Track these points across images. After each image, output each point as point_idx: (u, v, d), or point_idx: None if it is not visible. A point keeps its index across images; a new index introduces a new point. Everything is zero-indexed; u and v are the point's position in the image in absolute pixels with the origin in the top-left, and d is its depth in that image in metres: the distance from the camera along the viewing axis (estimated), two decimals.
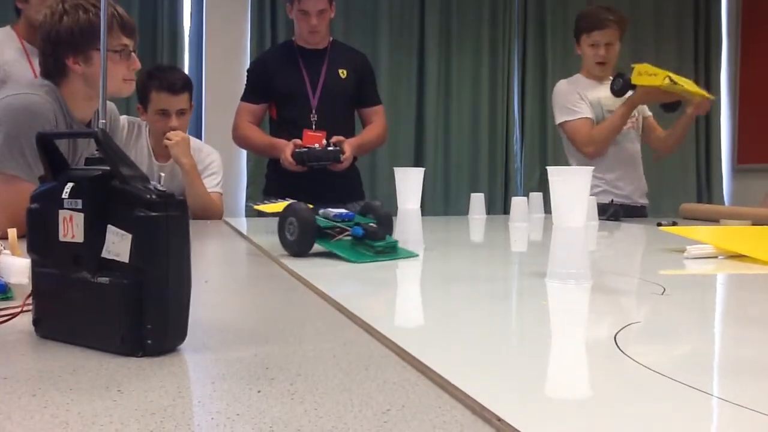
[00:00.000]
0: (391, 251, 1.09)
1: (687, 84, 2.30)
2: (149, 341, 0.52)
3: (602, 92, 2.50)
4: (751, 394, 0.45)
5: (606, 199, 2.35)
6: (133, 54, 1.58)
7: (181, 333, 0.54)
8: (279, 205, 1.25)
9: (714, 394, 0.45)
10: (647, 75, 2.29)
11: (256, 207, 1.36)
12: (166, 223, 0.53)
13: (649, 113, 2.66)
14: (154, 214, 0.52)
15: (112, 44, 1.52)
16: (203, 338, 0.59)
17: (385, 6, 3.94)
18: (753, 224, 1.77)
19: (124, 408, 0.41)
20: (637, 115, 2.54)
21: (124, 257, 0.53)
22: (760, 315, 0.75)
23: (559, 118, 2.52)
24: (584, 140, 2.45)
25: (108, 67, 1.52)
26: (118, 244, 0.53)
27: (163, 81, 2.17)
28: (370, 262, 1.05)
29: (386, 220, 1.16)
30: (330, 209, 1.15)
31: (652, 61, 4.18)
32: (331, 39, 2.49)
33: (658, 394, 0.45)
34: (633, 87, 2.34)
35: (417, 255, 1.12)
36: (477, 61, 4.10)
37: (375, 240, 1.08)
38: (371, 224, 1.11)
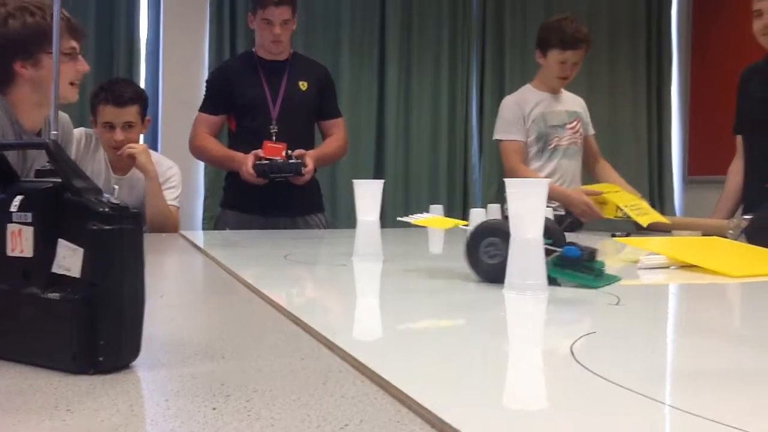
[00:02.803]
0: (602, 274, 0.94)
1: (637, 212, 2.16)
2: (101, 358, 0.51)
3: (550, 106, 2.54)
4: (705, 402, 0.46)
5: None
6: (80, 56, 1.55)
7: (134, 349, 0.53)
8: (440, 220, 1.15)
9: (668, 403, 0.46)
10: (597, 203, 2.29)
11: (415, 221, 1.23)
12: (120, 236, 0.52)
13: (593, 131, 2.70)
14: (107, 227, 0.51)
15: (61, 47, 1.49)
16: (157, 354, 0.57)
17: (346, 20, 3.95)
18: (703, 235, 1.82)
19: (73, 429, 0.40)
20: (580, 130, 2.59)
21: (76, 272, 0.51)
22: (711, 324, 0.77)
23: (496, 134, 2.60)
24: (507, 167, 2.55)
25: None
26: (69, 259, 0.52)
27: (109, 93, 2.15)
28: (600, 286, 0.91)
29: (559, 239, 1.00)
30: None
31: (605, 75, 4.24)
32: (292, 51, 2.48)
33: (614, 404, 0.45)
34: (581, 224, 2.37)
35: (620, 279, 0.98)
36: (437, 74, 4.13)
37: (593, 261, 0.93)
38: (587, 246, 0.96)
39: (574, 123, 2.57)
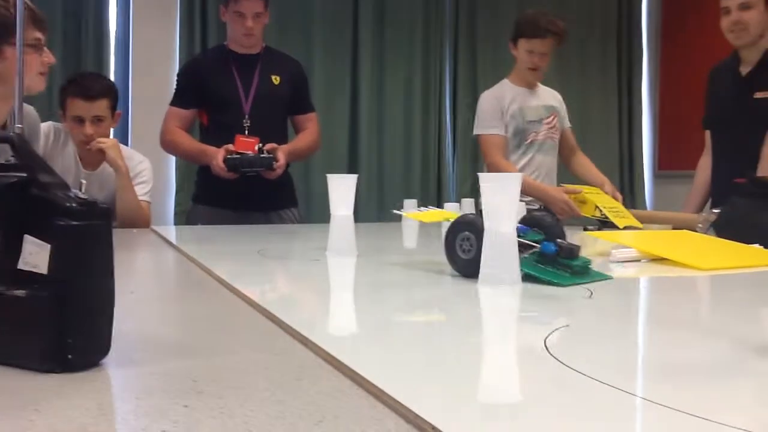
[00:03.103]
0: (586, 272, 0.92)
1: (615, 213, 2.09)
2: (70, 356, 0.50)
3: (527, 101, 2.55)
4: (676, 394, 0.46)
5: None
6: (45, 48, 1.52)
7: (104, 347, 0.52)
8: (432, 213, 1.15)
9: (640, 395, 0.46)
10: (577, 201, 2.25)
11: (406, 214, 1.20)
12: (89, 232, 0.51)
13: (569, 125, 2.71)
14: (75, 223, 0.50)
15: (26, 38, 1.46)
16: (128, 352, 0.56)
17: (318, 14, 3.93)
18: (673, 228, 1.85)
19: (40, 428, 0.39)
20: (557, 125, 2.59)
21: (43, 268, 0.50)
22: (681, 317, 0.78)
23: (476, 129, 2.60)
24: (489, 162, 2.55)
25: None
26: (36, 255, 0.50)
27: (78, 87, 2.11)
28: (570, 285, 0.88)
29: (557, 235, 0.97)
30: None
31: (576, 71, 4.25)
32: (264, 45, 2.46)
33: (587, 396, 0.45)
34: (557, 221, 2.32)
35: (611, 278, 0.95)
36: (410, 68, 4.13)
37: (571, 258, 0.91)
38: (565, 241, 0.94)
39: (551, 118, 2.58)
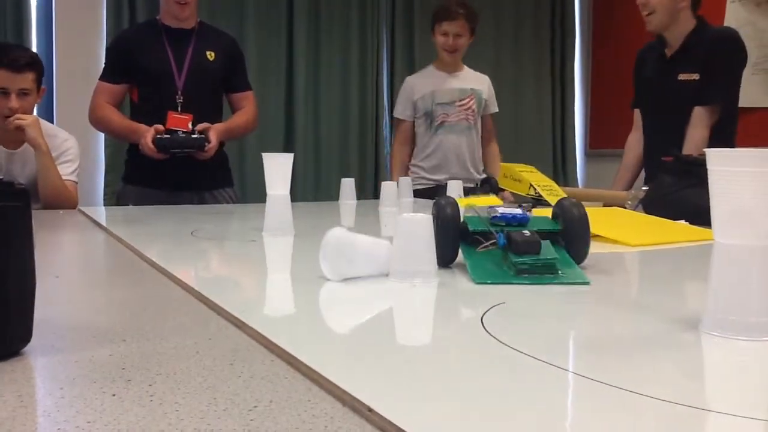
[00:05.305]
0: (544, 272, 0.77)
1: (548, 191, 2.06)
2: None
3: (445, 84, 2.70)
4: (606, 368, 0.47)
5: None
6: None
7: (24, 334, 0.50)
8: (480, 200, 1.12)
9: (571, 370, 0.47)
10: (512, 180, 2.21)
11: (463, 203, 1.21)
12: (4, 214, 0.48)
13: (494, 110, 2.82)
14: None
15: None
16: (52, 339, 0.54)
17: None
18: (604, 205, 1.90)
19: None
20: (473, 107, 2.71)
21: None
22: (611, 292, 0.79)
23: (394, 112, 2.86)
24: (393, 142, 2.89)
25: None
26: None
27: (3, 57, 2.00)
28: (505, 284, 0.76)
29: (576, 227, 0.84)
30: (499, 207, 0.86)
31: (510, 53, 4.28)
32: (198, 20, 2.39)
33: (522, 373, 0.46)
34: (502, 189, 2.28)
35: (589, 282, 0.77)
36: (346, 45, 4.09)
37: (518, 254, 0.77)
38: (525, 232, 0.79)
39: (466, 100, 2.71)
